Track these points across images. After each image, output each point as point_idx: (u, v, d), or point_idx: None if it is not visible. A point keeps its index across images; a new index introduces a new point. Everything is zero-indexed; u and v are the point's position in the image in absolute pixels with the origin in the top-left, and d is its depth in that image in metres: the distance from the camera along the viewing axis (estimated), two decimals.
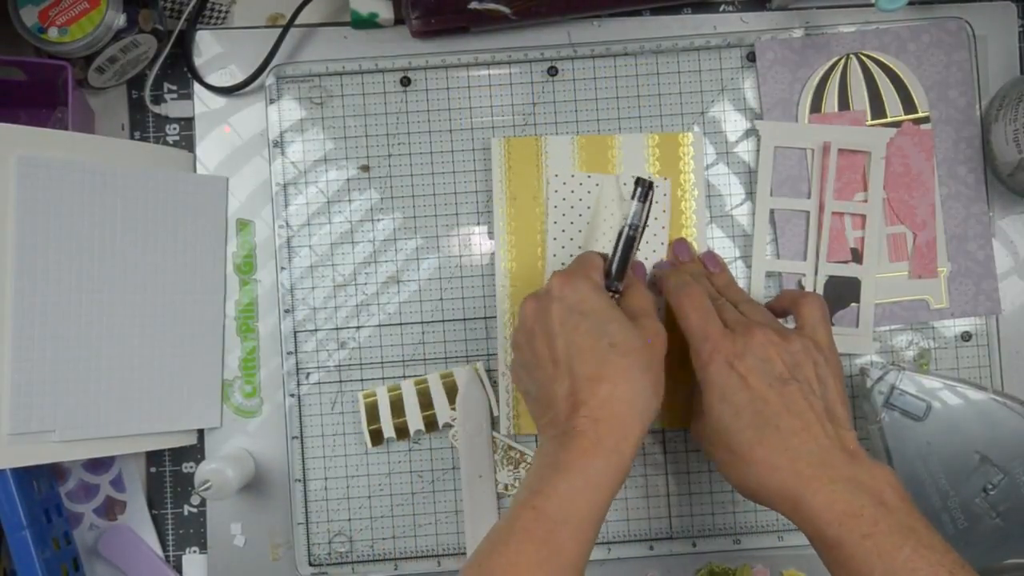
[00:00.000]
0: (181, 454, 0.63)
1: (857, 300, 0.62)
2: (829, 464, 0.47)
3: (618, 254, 0.55)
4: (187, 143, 0.64)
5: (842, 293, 0.62)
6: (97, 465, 0.63)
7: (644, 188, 0.55)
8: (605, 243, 0.60)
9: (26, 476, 0.56)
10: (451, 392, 0.61)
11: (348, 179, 0.63)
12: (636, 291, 0.54)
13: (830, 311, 0.62)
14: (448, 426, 0.61)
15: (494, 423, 0.61)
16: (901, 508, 0.45)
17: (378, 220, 0.63)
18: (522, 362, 0.53)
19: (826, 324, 0.53)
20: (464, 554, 0.61)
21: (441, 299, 0.62)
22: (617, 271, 0.54)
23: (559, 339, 0.49)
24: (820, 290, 0.62)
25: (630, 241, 0.55)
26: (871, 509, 0.45)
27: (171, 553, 0.63)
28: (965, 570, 0.43)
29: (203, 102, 0.63)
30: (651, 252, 0.61)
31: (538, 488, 0.46)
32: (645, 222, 0.56)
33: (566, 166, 0.62)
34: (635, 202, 0.55)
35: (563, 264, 0.61)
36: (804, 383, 0.50)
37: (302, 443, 0.62)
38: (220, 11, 0.64)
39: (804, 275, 0.62)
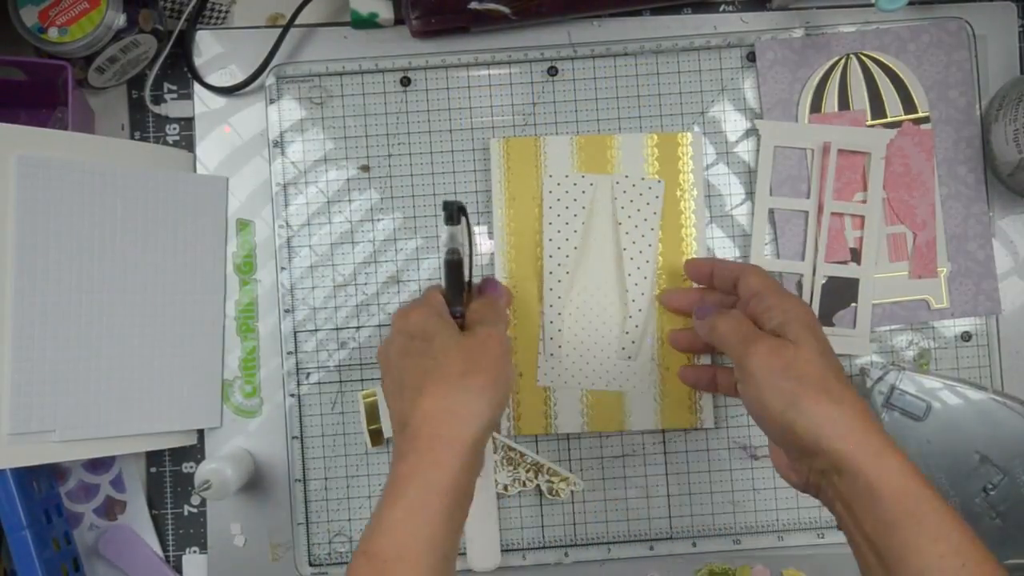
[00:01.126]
0: (181, 454, 0.63)
1: (855, 300, 0.62)
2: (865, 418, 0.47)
3: (446, 281, 0.53)
4: (187, 143, 0.64)
5: (841, 293, 0.62)
6: (97, 465, 0.63)
7: (451, 211, 0.52)
8: (602, 243, 0.60)
9: (26, 476, 0.56)
10: None
11: (348, 179, 0.63)
12: (476, 305, 0.53)
13: (829, 311, 0.62)
14: None
15: None
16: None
17: (378, 220, 0.63)
18: (385, 398, 0.52)
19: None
20: (463, 554, 0.61)
21: None
22: (454, 297, 0.52)
23: (396, 367, 0.49)
24: (818, 290, 0.61)
25: (452, 266, 0.52)
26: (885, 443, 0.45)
27: (171, 553, 0.63)
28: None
29: (203, 102, 0.63)
30: (638, 253, 0.61)
31: (370, 525, 0.45)
32: (470, 244, 0.54)
33: (565, 166, 0.62)
34: (447, 227, 0.52)
35: (559, 265, 0.61)
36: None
37: (302, 443, 0.62)
38: (220, 11, 0.64)
39: (802, 275, 0.62)
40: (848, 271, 0.62)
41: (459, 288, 0.52)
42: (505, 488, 0.61)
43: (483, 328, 0.50)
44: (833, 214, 0.62)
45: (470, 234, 0.54)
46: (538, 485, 0.61)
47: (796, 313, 0.49)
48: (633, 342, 0.61)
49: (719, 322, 0.51)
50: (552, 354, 0.61)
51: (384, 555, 0.43)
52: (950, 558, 0.42)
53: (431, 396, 0.47)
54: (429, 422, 0.46)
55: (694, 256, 0.61)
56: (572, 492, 0.61)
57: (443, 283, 0.53)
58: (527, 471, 0.61)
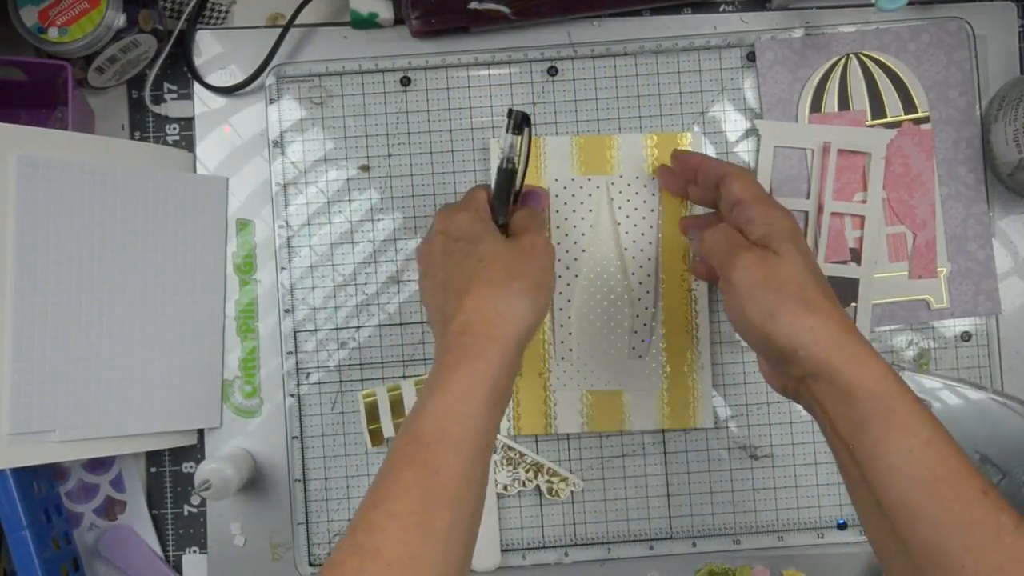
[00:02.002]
0: (181, 454, 0.63)
1: (855, 300, 0.62)
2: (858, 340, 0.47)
3: (496, 189, 0.53)
4: (187, 143, 0.64)
5: (841, 293, 0.62)
6: (97, 465, 0.63)
7: (517, 120, 0.52)
8: (606, 244, 0.60)
9: (26, 476, 0.56)
10: None
11: (348, 179, 0.63)
12: (520, 214, 0.54)
13: None
14: None
15: None
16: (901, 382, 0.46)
17: (378, 220, 0.63)
18: (423, 297, 0.53)
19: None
20: None
21: None
22: (500, 206, 0.53)
23: (440, 268, 0.51)
24: None
25: (506, 175, 0.53)
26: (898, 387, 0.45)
27: (171, 553, 0.63)
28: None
29: (203, 102, 0.63)
30: (639, 251, 0.61)
31: (413, 412, 0.46)
32: (526, 156, 0.54)
33: (565, 167, 0.62)
34: (508, 135, 0.52)
35: (567, 268, 0.61)
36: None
37: (302, 443, 0.62)
38: (220, 11, 0.64)
39: None
40: (848, 271, 0.62)
41: (507, 198, 0.53)
42: (505, 488, 0.61)
43: (528, 235, 0.51)
44: (833, 214, 0.62)
45: (529, 146, 0.54)
46: (538, 485, 0.61)
47: (779, 224, 0.50)
48: (643, 341, 0.61)
49: (706, 236, 0.52)
50: (563, 357, 0.61)
51: (427, 437, 0.44)
52: (919, 451, 0.42)
53: (478, 296, 0.48)
54: (475, 320, 0.47)
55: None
56: (572, 492, 0.61)
57: (493, 189, 0.54)
58: (527, 471, 0.61)
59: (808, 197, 0.62)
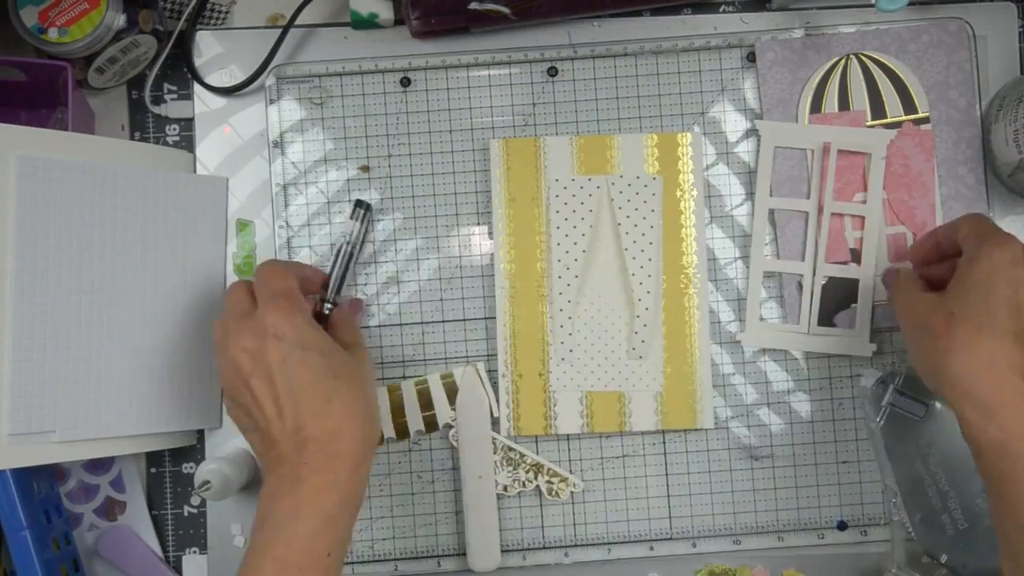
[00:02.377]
0: (181, 454, 0.63)
1: (856, 301, 0.61)
2: None
3: (336, 271, 0.59)
4: (187, 143, 0.64)
5: (841, 294, 0.62)
6: (97, 465, 0.63)
7: (363, 209, 0.60)
8: (606, 244, 0.61)
9: (26, 476, 0.56)
10: (451, 393, 0.61)
11: (348, 179, 0.63)
12: (347, 323, 0.56)
13: (829, 312, 0.62)
14: (448, 426, 0.61)
15: (494, 424, 0.61)
16: None
17: (378, 220, 0.63)
18: (239, 401, 0.51)
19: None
20: (463, 555, 0.61)
21: (441, 300, 0.62)
22: (336, 287, 0.59)
23: (279, 377, 0.48)
24: (818, 291, 0.61)
25: (348, 257, 0.60)
26: None
27: (171, 554, 0.63)
28: None
29: (203, 102, 0.63)
30: (639, 252, 0.61)
31: (275, 535, 0.46)
32: (362, 241, 0.61)
33: (565, 167, 0.62)
34: (354, 223, 0.60)
35: (568, 269, 0.61)
36: None
37: None
38: (220, 11, 0.64)
39: (802, 275, 0.62)
40: (848, 271, 0.62)
41: (342, 280, 0.59)
42: (505, 488, 0.61)
43: (360, 349, 0.54)
44: (833, 214, 0.62)
45: (364, 234, 0.61)
46: (538, 486, 0.61)
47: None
48: (643, 341, 0.61)
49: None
50: (563, 358, 0.61)
51: (298, 563, 0.46)
52: None
53: (338, 415, 0.48)
54: (338, 441, 0.48)
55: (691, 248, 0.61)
56: (572, 493, 0.61)
57: (331, 269, 0.59)
58: (527, 472, 0.61)
59: (808, 197, 0.62)
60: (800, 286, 0.62)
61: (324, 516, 0.46)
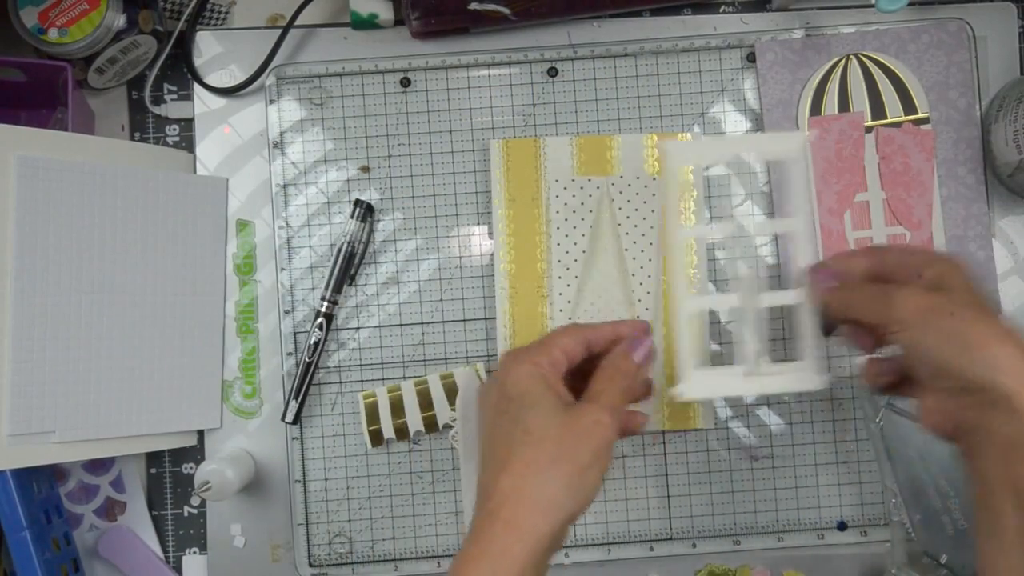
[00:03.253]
0: (181, 455, 0.63)
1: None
2: None
3: (337, 269, 0.60)
4: (187, 143, 0.64)
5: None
6: (97, 466, 0.63)
7: (363, 209, 0.61)
8: (606, 245, 0.61)
9: (26, 477, 0.56)
10: (451, 393, 0.61)
11: (348, 179, 0.63)
12: (605, 373, 0.48)
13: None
14: (448, 427, 0.61)
15: None
16: None
17: (378, 220, 0.63)
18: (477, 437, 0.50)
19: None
20: None
21: (441, 300, 0.62)
22: (335, 285, 0.60)
23: (487, 423, 0.47)
24: (763, 322, 0.54)
25: (349, 256, 0.60)
26: None
27: (171, 554, 0.63)
28: None
29: (203, 102, 0.63)
30: (640, 252, 0.61)
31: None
32: (366, 241, 0.62)
33: (565, 167, 0.62)
34: (354, 221, 0.60)
35: (568, 270, 0.61)
36: None
37: (302, 443, 0.62)
38: (220, 12, 0.64)
39: (738, 308, 0.53)
40: (785, 298, 0.57)
41: (343, 279, 0.61)
42: None
43: (593, 410, 0.45)
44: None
45: (370, 235, 0.62)
46: None
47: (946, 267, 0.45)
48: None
49: (848, 294, 0.47)
50: None
51: None
52: None
53: (513, 475, 0.43)
54: (509, 504, 0.43)
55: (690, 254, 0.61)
56: None
57: (331, 268, 0.60)
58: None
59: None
60: (741, 320, 0.54)
61: (490, 570, 0.42)
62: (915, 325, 0.43)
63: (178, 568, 0.63)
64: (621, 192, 0.61)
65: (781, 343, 0.62)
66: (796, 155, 0.52)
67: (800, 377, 0.51)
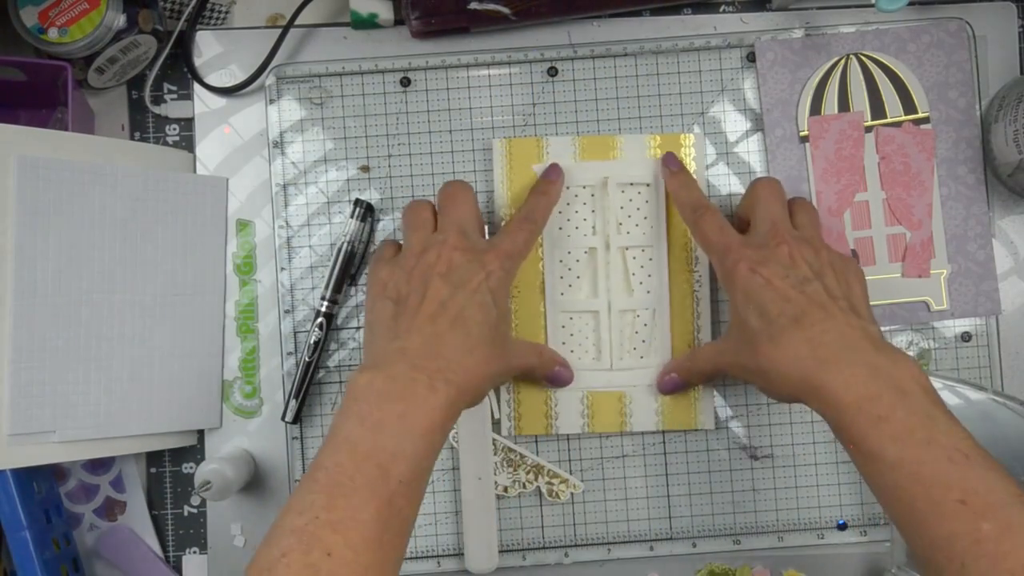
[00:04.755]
0: (181, 454, 0.63)
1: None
2: (852, 349, 0.47)
3: (337, 269, 0.61)
4: (187, 143, 0.64)
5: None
6: (97, 465, 0.63)
7: (363, 209, 0.61)
8: (606, 244, 0.61)
9: (26, 476, 0.56)
10: None
11: (348, 179, 0.63)
12: (532, 347, 0.60)
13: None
14: None
15: (495, 425, 0.61)
16: (921, 396, 0.45)
17: (378, 220, 0.63)
18: (401, 277, 0.54)
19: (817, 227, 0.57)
20: (462, 555, 0.61)
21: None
22: (335, 284, 0.61)
23: (469, 300, 0.53)
24: (621, 324, 0.61)
25: (349, 256, 0.61)
26: (889, 395, 0.45)
27: (171, 554, 0.63)
28: (979, 451, 0.43)
29: (203, 102, 0.63)
30: (641, 235, 0.61)
31: (367, 429, 0.48)
32: (366, 240, 0.62)
33: (567, 167, 0.61)
34: (354, 221, 0.61)
35: (569, 270, 0.61)
36: (829, 281, 0.51)
37: (302, 443, 0.62)
38: (220, 11, 0.64)
39: (598, 311, 0.61)
40: (647, 302, 0.60)
41: (342, 279, 0.61)
42: (505, 489, 0.61)
43: (531, 353, 0.59)
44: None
45: (372, 235, 0.62)
46: (538, 487, 0.61)
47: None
48: (644, 341, 0.61)
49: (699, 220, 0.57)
50: (564, 358, 0.61)
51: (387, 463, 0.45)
52: (910, 452, 0.44)
53: (432, 337, 0.50)
54: (440, 363, 0.49)
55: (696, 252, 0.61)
56: (572, 494, 0.61)
57: (331, 268, 0.61)
58: (527, 473, 0.61)
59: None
60: (598, 321, 0.61)
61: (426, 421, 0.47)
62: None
63: (178, 568, 0.63)
64: (623, 191, 0.61)
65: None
66: (652, 180, 0.61)
67: (656, 373, 0.61)
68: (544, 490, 0.61)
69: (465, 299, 0.50)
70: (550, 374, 0.59)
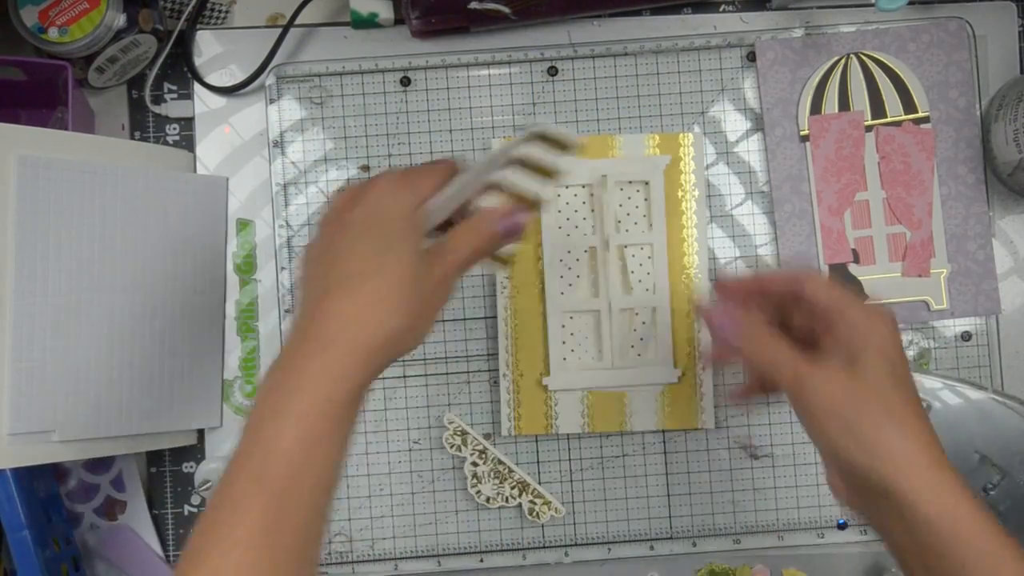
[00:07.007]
0: (181, 454, 0.63)
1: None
2: None
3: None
4: (187, 143, 0.64)
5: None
6: (97, 465, 0.63)
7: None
8: (606, 243, 0.61)
9: (26, 476, 0.56)
10: None
11: (348, 179, 0.63)
12: (468, 228, 0.45)
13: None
14: (445, 428, 0.61)
15: (495, 427, 0.61)
16: None
17: None
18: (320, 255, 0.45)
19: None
20: (463, 554, 0.61)
21: None
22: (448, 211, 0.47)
23: (338, 238, 0.44)
24: (622, 323, 0.60)
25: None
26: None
27: (171, 553, 0.63)
28: None
29: (203, 102, 0.63)
30: (639, 250, 0.61)
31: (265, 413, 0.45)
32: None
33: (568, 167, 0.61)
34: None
35: (569, 269, 0.61)
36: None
37: None
38: (220, 11, 0.64)
39: (599, 311, 0.59)
40: (651, 300, 0.61)
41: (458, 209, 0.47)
42: (488, 500, 0.61)
43: (445, 262, 0.44)
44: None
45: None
46: (520, 504, 0.61)
47: (864, 329, 0.43)
48: (642, 339, 0.61)
49: (755, 345, 0.45)
50: (564, 358, 0.61)
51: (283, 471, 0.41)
52: None
53: (351, 299, 0.41)
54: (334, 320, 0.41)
55: (695, 254, 0.61)
56: (552, 516, 0.61)
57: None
58: (512, 487, 0.61)
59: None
60: (599, 320, 0.61)
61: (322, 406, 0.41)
62: (816, 416, 0.42)
63: None
64: (622, 190, 0.61)
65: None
66: (659, 178, 0.61)
67: (657, 371, 0.60)
68: (526, 508, 0.61)
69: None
70: (504, 230, 0.45)
